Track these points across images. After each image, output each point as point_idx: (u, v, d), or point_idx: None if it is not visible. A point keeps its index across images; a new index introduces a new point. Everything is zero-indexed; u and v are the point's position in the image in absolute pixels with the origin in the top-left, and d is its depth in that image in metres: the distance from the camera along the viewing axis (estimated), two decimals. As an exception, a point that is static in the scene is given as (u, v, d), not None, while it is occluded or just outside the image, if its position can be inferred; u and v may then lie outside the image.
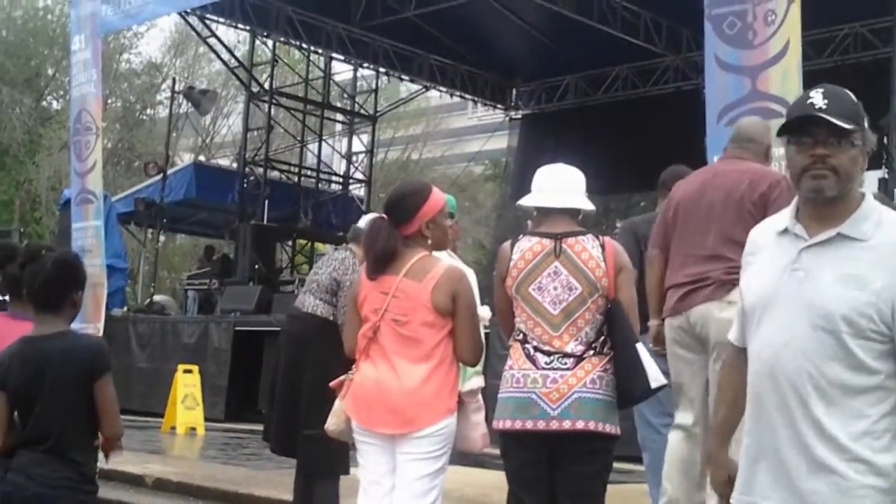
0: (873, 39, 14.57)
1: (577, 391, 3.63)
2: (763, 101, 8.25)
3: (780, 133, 2.37)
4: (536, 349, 3.73)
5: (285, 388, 5.43)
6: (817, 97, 2.32)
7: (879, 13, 13.61)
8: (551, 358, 3.70)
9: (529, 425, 3.68)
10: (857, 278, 2.22)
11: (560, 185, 3.85)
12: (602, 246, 3.75)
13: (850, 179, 2.31)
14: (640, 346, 3.68)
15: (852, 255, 2.25)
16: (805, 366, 2.24)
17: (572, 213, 3.84)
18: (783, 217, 2.42)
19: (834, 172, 2.29)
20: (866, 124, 2.34)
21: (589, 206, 3.87)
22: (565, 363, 3.67)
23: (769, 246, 2.41)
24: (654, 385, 3.65)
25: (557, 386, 3.65)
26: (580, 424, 3.63)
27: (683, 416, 4.53)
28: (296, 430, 5.21)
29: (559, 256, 3.73)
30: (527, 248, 3.81)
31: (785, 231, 2.38)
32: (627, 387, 3.67)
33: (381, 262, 3.81)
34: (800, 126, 2.32)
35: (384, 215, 3.89)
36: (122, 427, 3.83)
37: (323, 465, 5.24)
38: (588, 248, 3.73)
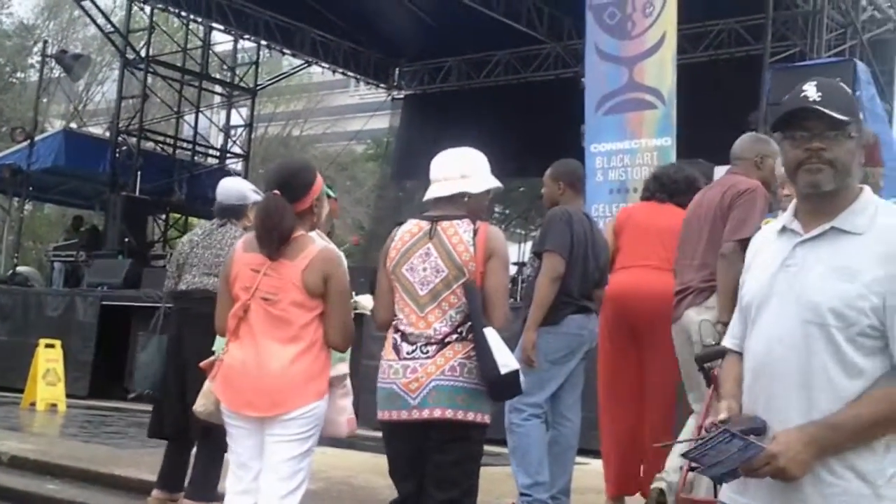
0: (746, 36, 15.02)
1: (435, 379, 3.64)
2: (638, 91, 8.44)
3: (774, 128, 2.32)
4: (403, 337, 3.73)
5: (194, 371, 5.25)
6: (811, 90, 2.26)
7: (753, 10, 14.04)
8: (414, 347, 3.70)
9: (395, 416, 3.71)
10: (848, 271, 2.16)
11: (442, 174, 3.85)
12: (475, 231, 3.73)
13: (847, 173, 2.24)
14: (488, 332, 3.62)
15: (845, 248, 2.20)
16: (794, 361, 2.19)
17: (456, 199, 3.81)
18: (782, 216, 2.38)
19: (831, 166, 2.23)
20: (860, 116, 2.29)
21: (470, 187, 3.81)
22: (427, 351, 3.66)
23: (768, 246, 2.36)
24: (503, 371, 3.58)
25: (416, 376, 3.67)
26: (437, 412, 3.63)
27: (698, 407, 4.79)
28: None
29: (432, 238, 3.74)
30: (406, 230, 3.82)
31: (783, 229, 2.33)
32: (481, 373, 3.66)
33: (282, 241, 3.71)
34: (794, 120, 2.26)
35: (276, 192, 3.76)
36: None
37: (208, 437, 5.09)
38: (460, 233, 3.73)
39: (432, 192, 3.86)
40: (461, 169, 3.84)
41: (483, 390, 3.68)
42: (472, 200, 3.80)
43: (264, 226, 3.73)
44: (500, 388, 3.65)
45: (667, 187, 5.74)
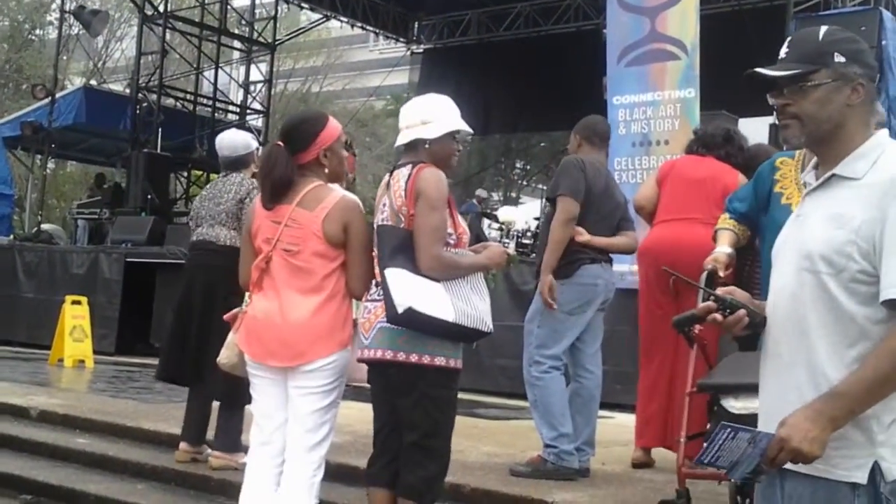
0: (770, -15, 14.78)
1: (380, 321, 3.68)
2: (661, 42, 8.34)
3: (766, 95, 2.31)
4: (375, 280, 3.77)
5: (204, 320, 5.37)
6: (784, 47, 2.26)
7: (777, -40, 13.82)
8: (375, 289, 3.75)
9: (358, 354, 3.81)
10: (840, 217, 2.14)
11: (404, 122, 3.84)
12: (409, 175, 3.71)
13: (817, 122, 2.22)
14: (388, 272, 3.60)
15: (842, 194, 2.18)
16: (792, 309, 2.20)
17: (417, 146, 3.79)
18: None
19: (796, 119, 2.23)
20: (840, 58, 2.21)
21: (427, 133, 3.75)
22: (381, 294, 3.67)
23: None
24: (399, 310, 3.53)
25: (369, 317, 3.75)
26: (379, 353, 3.69)
27: None
28: (205, 361, 5.15)
29: (389, 189, 3.77)
30: (382, 182, 3.87)
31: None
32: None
33: (278, 190, 3.76)
34: (758, 83, 2.26)
35: (280, 142, 3.81)
36: None
37: (227, 393, 5.22)
38: (400, 179, 3.73)
39: (397, 142, 3.88)
40: (421, 115, 3.81)
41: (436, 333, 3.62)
42: (433, 146, 3.76)
43: (259, 174, 3.88)
44: (408, 326, 3.57)
45: (704, 141, 5.73)
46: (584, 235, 5.27)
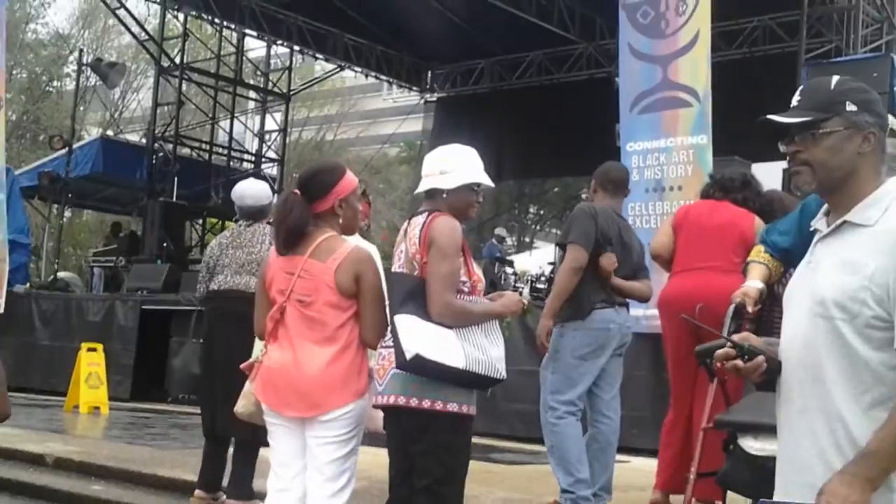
0: (781, 33, 14.90)
1: (394, 367, 3.70)
2: (673, 90, 8.40)
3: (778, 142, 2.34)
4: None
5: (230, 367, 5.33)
6: (796, 96, 2.29)
7: (787, 7, 13.96)
8: (389, 336, 3.76)
9: (373, 400, 3.82)
10: (853, 263, 2.15)
11: (425, 171, 3.89)
12: (423, 224, 3.75)
13: (828, 169, 2.23)
14: (398, 318, 3.62)
15: (854, 240, 2.18)
16: (806, 355, 2.19)
17: (434, 195, 3.83)
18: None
19: (807, 165, 2.24)
20: (852, 106, 2.23)
21: (444, 184, 3.79)
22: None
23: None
24: (407, 356, 3.55)
25: (383, 363, 3.78)
26: (391, 399, 3.71)
27: None
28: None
29: (405, 236, 3.81)
30: (402, 230, 3.90)
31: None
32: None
33: (292, 238, 3.78)
34: (773, 131, 2.29)
35: (296, 191, 3.86)
36: (10, 405, 3.69)
37: (249, 434, 5.17)
38: (415, 227, 3.77)
39: (417, 189, 3.93)
40: (440, 165, 3.85)
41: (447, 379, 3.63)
42: (450, 196, 3.79)
43: (274, 221, 3.88)
44: (417, 372, 3.58)
45: (722, 184, 5.72)
46: (613, 266, 5.27)
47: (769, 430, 2.89)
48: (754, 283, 4.40)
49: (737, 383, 4.82)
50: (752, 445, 3.66)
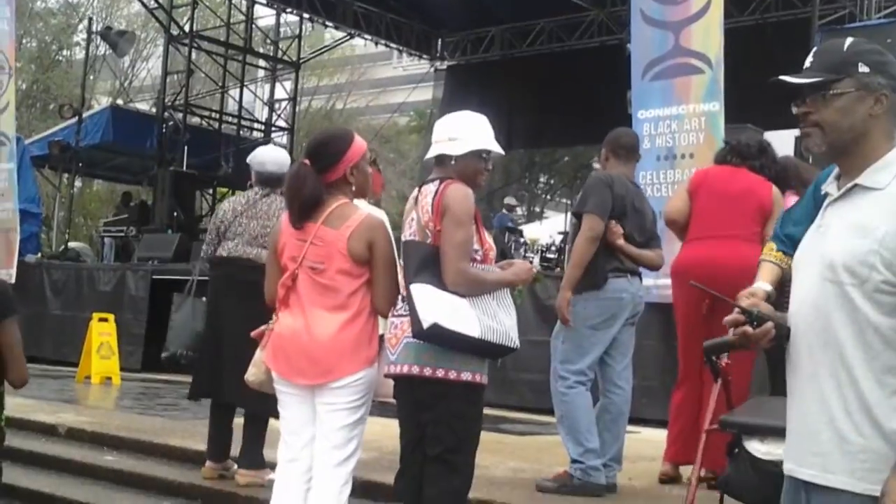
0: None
1: (407, 336, 3.69)
2: (685, 56, 8.32)
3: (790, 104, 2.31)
4: (401, 296, 3.79)
5: (238, 334, 5.30)
6: (809, 57, 2.26)
7: (801, -27, 13.79)
8: (400, 305, 3.76)
9: (385, 369, 3.81)
10: (863, 226, 2.12)
11: (434, 137, 3.86)
12: (436, 191, 3.72)
13: (839, 131, 2.20)
14: (414, 287, 3.61)
15: (865, 204, 2.16)
16: (816, 321, 2.17)
17: (443, 161, 3.81)
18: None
19: (817, 127, 2.22)
20: (865, 68, 2.20)
21: (453, 150, 3.76)
22: (407, 310, 3.68)
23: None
24: (425, 326, 3.55)
25: (395, 332, 3.77)
26: (405, 369, 3.70)
27: None
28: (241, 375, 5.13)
29: (416, 204, 3.79)
30: (411, 197, 3.88)
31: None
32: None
33: (307, 209, 3.76)
34: (790, 91, 2.26)
35: (306, 161, 3.82)
36: (28, 372, 3.72)
37: (258, 404, 5.15)
38: (427, 195, 3.74)
39: (427, 155, 3.91)
40: (448, 132, 3.82)
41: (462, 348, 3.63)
42: (458, 163, 3.77)
43: (287, 193, 3.85)
44: (433, 341, 3.58)
45: (739, 151, 5.64)
46: (619, 238, 5.23)
47: (777, 433, 2.82)
48: (762, 284, 4.34)
49: (741, 383, 4.76)
50: (759, 449, 3.47)
